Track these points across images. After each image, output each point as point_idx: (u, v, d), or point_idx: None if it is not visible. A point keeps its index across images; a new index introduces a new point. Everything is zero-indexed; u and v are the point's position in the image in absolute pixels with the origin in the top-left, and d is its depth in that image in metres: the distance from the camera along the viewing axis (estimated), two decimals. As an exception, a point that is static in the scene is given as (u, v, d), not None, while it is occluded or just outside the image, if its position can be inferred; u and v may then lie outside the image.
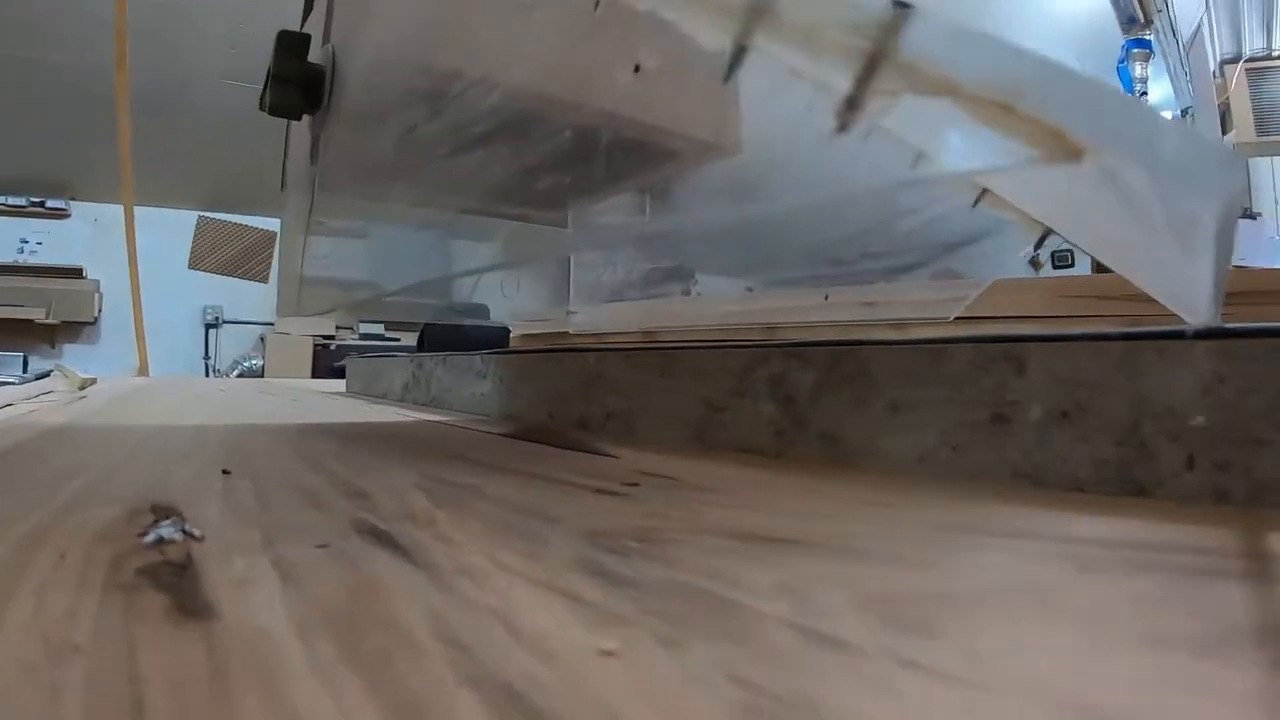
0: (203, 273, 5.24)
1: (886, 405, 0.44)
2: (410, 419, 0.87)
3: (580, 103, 0.53)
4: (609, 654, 0.16)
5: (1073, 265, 3.17)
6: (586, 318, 0.89)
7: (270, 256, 5.23)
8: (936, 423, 0.43)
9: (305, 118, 0.63)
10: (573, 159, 0.63)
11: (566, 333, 0.93)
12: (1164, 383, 0.38)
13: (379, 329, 5.07)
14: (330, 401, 1.20)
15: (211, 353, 5.24)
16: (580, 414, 0.66)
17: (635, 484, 0.40)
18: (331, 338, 4.93)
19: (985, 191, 0.51)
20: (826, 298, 0.65)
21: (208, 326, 5.25)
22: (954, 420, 0.43)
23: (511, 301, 1.36)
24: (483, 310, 1.41)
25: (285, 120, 0.73)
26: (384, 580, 0.22)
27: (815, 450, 0.46)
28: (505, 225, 0.84)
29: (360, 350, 4.01)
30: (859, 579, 0.23)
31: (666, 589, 0.22)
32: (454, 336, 1.20)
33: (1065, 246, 3.37)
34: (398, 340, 4.79)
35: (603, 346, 0.64)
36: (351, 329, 5.17)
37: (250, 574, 0.22)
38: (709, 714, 0.14)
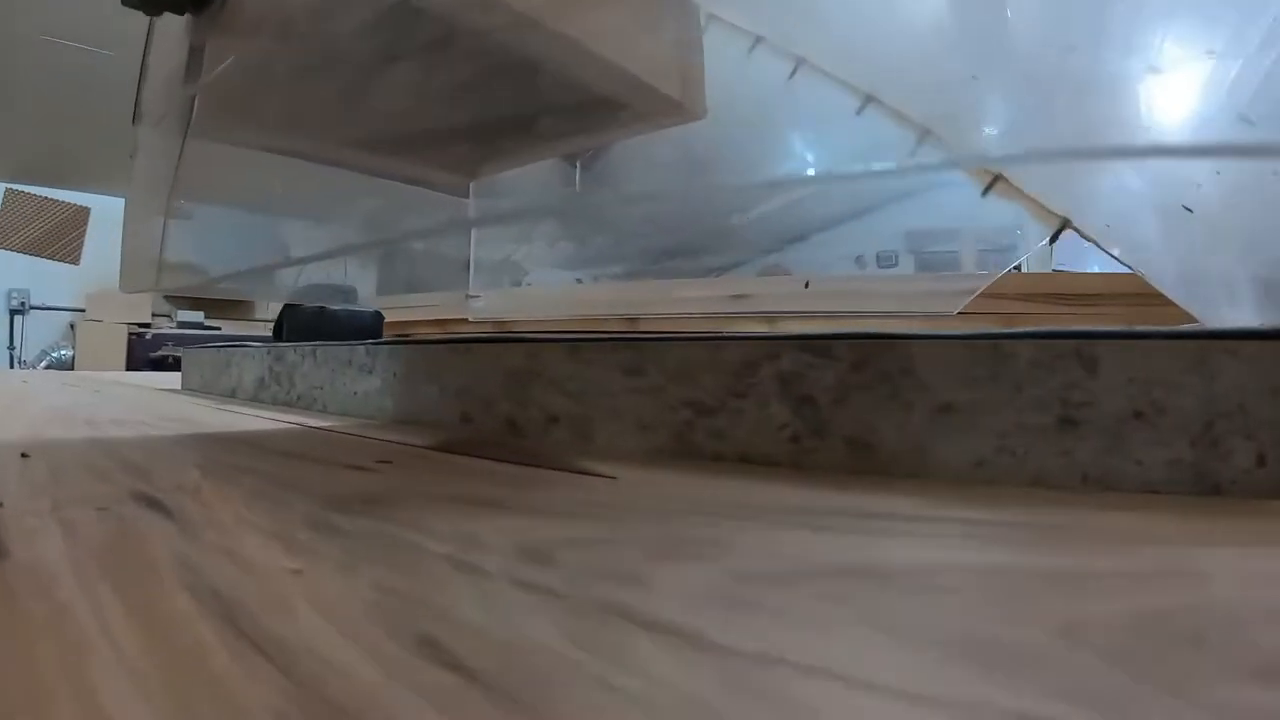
0: (8, 252, 4.39)
1: (935, 407, 0.35)
2: (282, 425, 0.68)
3: (532, 20, 0.39)
4: (296, 572, 0.21)
5: (896, 265, 3.30)
6: (490, 303, 0.74)
7: (83, 235, 4.45)
8: (996, 426, 0.34)
9: (185, 19, 0.43)
10: (502, 103, 0.48)
11: (465, 319, 0.77)
12: (1237, 381, 0.32)
13: (198, 316, 4.44)
14: (165, 403, 0.96)
15: (17, 342, 4.42)
16: (510, 417, 0.52)
17: (388, 460, 0.42)
18: (148, 326, 4.26)
19: (997, 179, 0.43)
20: (807, 285, 0.55)
21: (13, 312, 4.40)
22: (1017, 423, 0.34)
23: (363, 283, 1.16)
24: (350, 293, 1.19)
25: (144, 37, 0.51)
26: (144, 531, 0.26)
27: (842, 458, 0.36)
28: (383, 197, 0.67)
29: (179, 340, 3.50)
30: (530, 530, 0.26)
31: (365, 535, 0.25)
32: (320, 323, 1.00)
33: (891, 248, 3.50)
34: (218, 329, 4.23)
35: (540, 336, 0.51)
36: (169, 316, 4.52)
37: (38, 528, 0.26)
38: (347, 605, 0.19)
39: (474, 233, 0.72)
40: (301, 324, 0.99)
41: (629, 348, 0.43)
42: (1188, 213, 0.33)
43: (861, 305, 0.59)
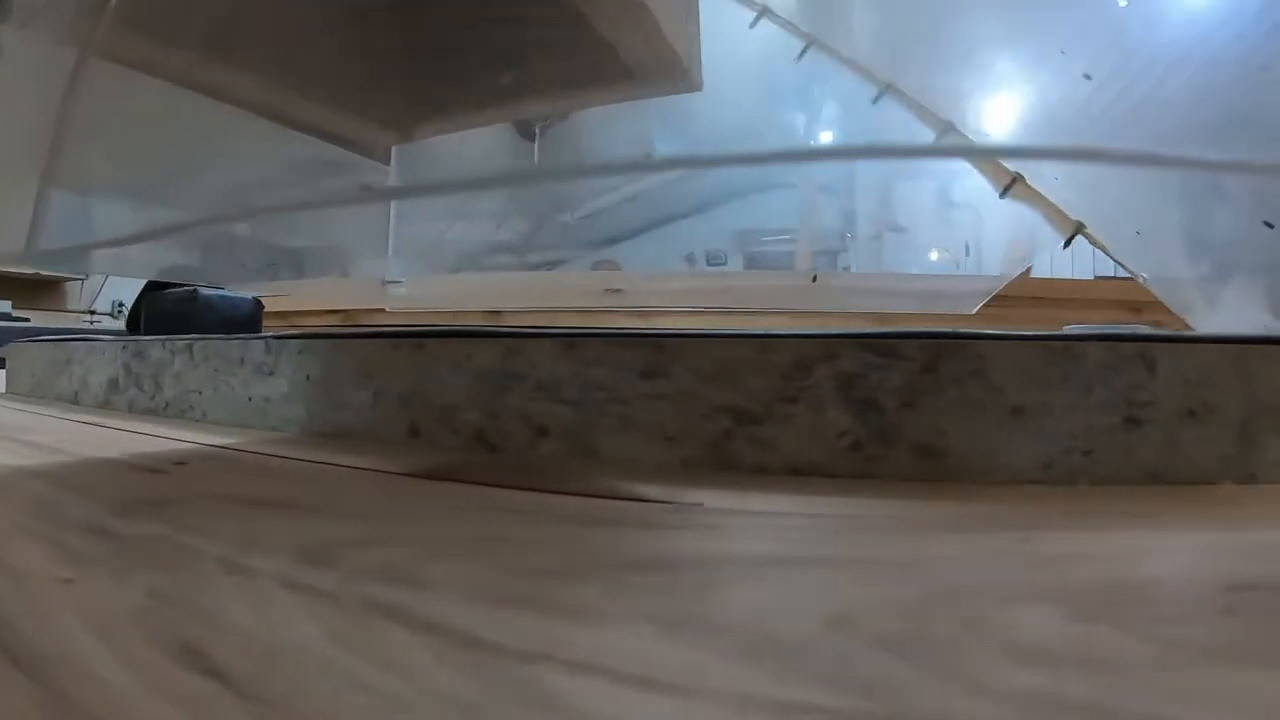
0: None
1: (1008, 409, 0.32)
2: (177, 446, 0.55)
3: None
4: (67, 581, 0.20)
5: (725, 263, 3.38)
6: (413, 290, 0.64)
7: None
8: (1066, 427, 0.32)
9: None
10: (477, 31, 0.40)
11: (383, 309, 0.67)
12: (1273, 383, 0.33)
13: (6, 306, 3.75)
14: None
15: None
16: (479, 429, 0.44)
17: (183, 463, 0.40)
18: (-46, 317, 3.54)
19: (1016, 180, 0.41)
20: (814, 279, 0.51)
21: None
22: (1086, 424, 0.32)
23: (242, 261, 1.00)
24: (223, 273, 1.01)
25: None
26: (-90, 544, 0.25)
27: (909, 467, 0.33)
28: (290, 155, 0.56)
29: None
30: (312, 532, 0.25)
31: (143, 539, 0.25)
32: (189, 311, 0.84)
33: (720, 247, 3.57)
34: (27, 321, 3.60)
35: (522, 331, 0.43)
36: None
37: None
38: (118, 613, 0.18)
39: (394, 207, 0.62)
40: (164, 312, 0.83)
41: (646, 344, 0.38)
42: (1268, 227, 0.33)
43: (875, 303, 0.57)
